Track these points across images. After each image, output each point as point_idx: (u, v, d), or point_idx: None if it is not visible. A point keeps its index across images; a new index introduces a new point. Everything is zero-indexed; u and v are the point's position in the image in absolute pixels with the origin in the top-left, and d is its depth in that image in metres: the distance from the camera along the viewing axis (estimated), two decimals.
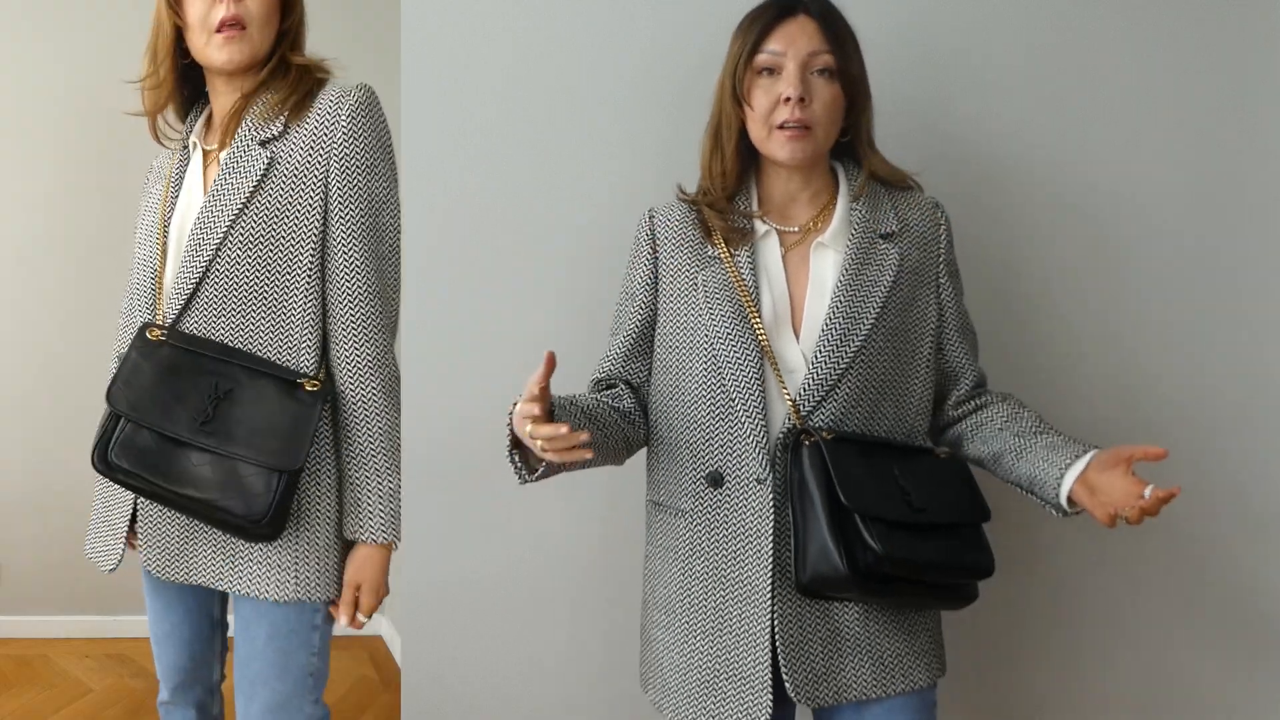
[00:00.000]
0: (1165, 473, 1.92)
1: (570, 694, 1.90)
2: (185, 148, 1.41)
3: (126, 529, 1.43)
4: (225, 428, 1.31)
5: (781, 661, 1.34)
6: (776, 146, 1.38)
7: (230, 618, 1.52)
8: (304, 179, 1.33)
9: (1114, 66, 1.86)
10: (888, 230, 1.42)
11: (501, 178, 1.82)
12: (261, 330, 1.35)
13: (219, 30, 1.31)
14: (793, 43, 1.36)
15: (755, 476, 1.36)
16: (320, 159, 1.34)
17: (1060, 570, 1.93)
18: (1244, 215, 1.90)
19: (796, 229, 1.43)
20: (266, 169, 1.32)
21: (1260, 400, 1.92)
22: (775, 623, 1.34)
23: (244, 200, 1.32)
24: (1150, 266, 1.89)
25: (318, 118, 1.34)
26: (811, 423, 1.35)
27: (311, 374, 1.35)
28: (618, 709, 1.88)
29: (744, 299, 1.38)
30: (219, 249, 1.32)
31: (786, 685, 1.34)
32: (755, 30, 1.38)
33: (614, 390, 1.47)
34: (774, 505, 1.35)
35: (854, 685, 1.36)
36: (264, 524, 1.29)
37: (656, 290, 1.46)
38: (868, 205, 1.43)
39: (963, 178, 1.84)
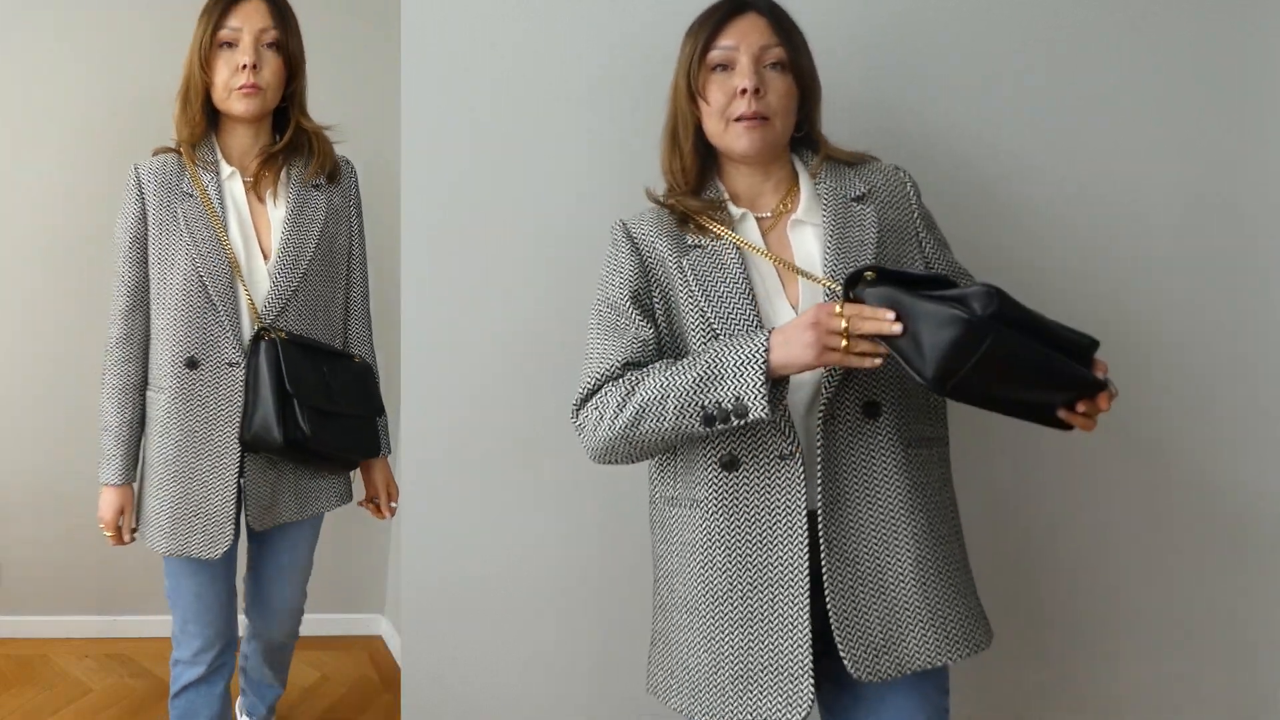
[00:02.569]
0: (1166, 474, 1.93)
1: (570, 694, 1.90)
2: (216, 173, 1.78)
3: (232, 509, 1.75)
4: (344, 396, 1.78)
5: (838, 639, 1.33)
6: (734, 138, 1.40)
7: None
8: (342, 218, 1.87)
9: (1107, 66, 1.86)
10: (857, 194, 1.45)
11: (503, 178, 1.82)
12: (319, 324, 1.82)
13: (240, 89, 1.71)
14: (745, 37, 1.40)
15: (778, 453, 1.35)
16: (349, 207, 1.90)
17: (1063, 568, 1.93)
18: (1235, 215, 1.90)
19: (769, 214, 1.46)
20: (325, 208, 1.82)
21: (1261, 401, 1.93)
22: (828, 600, 1.33)
23: (319, 230, 1.79)
24: (1143, 268, 1.89)
25: (345, 180, 1.89)
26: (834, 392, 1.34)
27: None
28: (617, 708, 1.88)
29: (735, 279, 1.38)
30: (309, 264, 1.78)
31: (845, 662, 1.33)
32: (707, 28, 1.42)
33: None
34: (805, 478, 1.34)
35: (919, 655, 1.35)
36: (372, 454, 1.89)
37: (650, 285, 1.44)
38: (831, 176, 1.46)
39: (955, 180, 1.85)
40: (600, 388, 1.39)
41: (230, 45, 1.72)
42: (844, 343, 1.24)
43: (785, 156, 1.48)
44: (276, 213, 1.78)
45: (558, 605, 1.89)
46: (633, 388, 1.35)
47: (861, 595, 1.35)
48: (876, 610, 1.35)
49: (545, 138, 1.81)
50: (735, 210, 1.44)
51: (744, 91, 1.37)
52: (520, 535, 1.87)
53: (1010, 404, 1.26)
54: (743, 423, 1.29)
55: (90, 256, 2.76)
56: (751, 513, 1.36)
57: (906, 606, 1.36)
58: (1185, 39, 1.86)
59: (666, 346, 1.43)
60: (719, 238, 1.41)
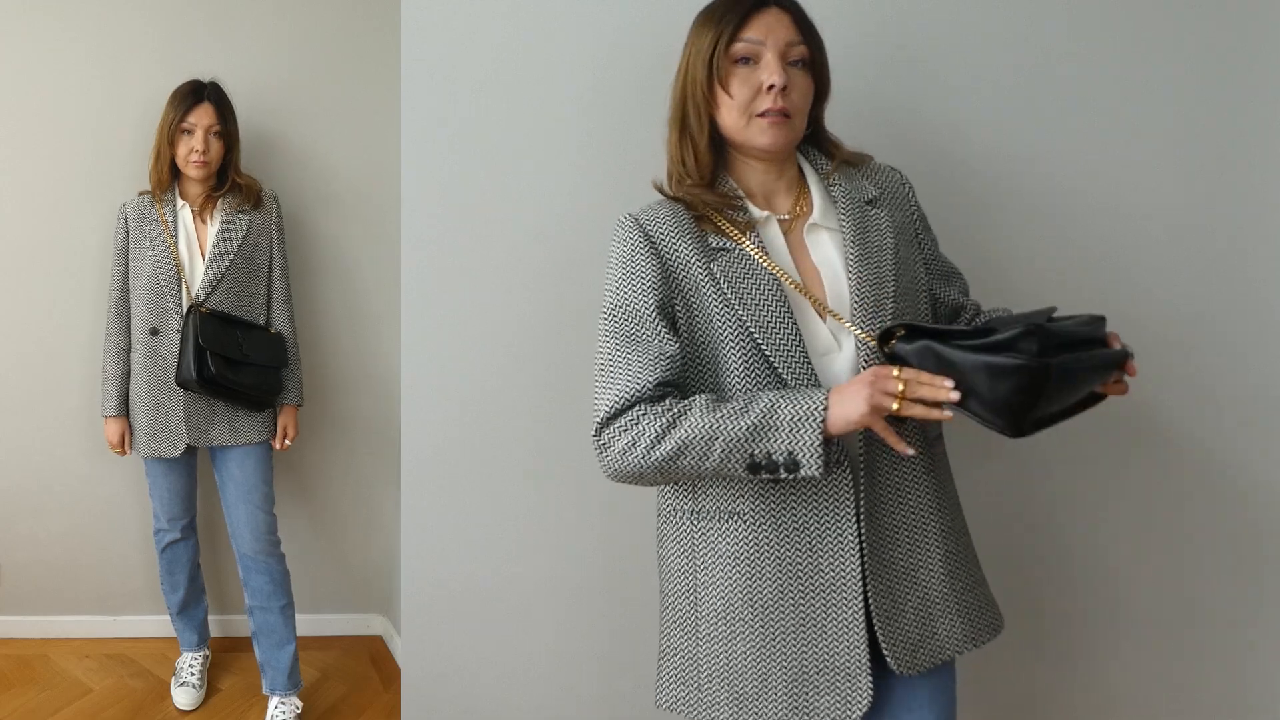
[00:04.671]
0: (1166, 475, 1.93)
1: (570, 694, 1.90)
2: (174, 206, 2.54)
3: (183, 426, 2.48)
4: (253, 353, 2.47)
5: (881, 637, 1.35)
6: (757, 132, 1.38)
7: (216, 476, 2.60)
8: (264, 232, 2.60)
9: (1107, 66, 1.86)
10: (870, 197, 1.46)
11: (502, 178, 1.82)
12: (242, 303, 2.53)
13: (193, 162, 2.47)
14: (770, 32, 1.38)
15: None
16: (269, 225, 2.61)
17: (1063, 568, 1.93)
18: (1235, 212, 1.90)
19: (787, 215, 1.44)
20: (248, 225, 2.55)
21: (1262, 403, 1.93)
22: (870, 601, 1.35)
23: (240, 242, 2.52)
24: (1143, 264, 1.90)
25: (267, 206, 2.61)
26: None
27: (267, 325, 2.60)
28: (617, 709, 1.89)
29: (769, 286, 1.36)
30: (231, 263, 2.50)
31: (888, 659, 1.35)
32: (732, 20, 1.38)
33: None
34: (852, 483, 1.35)
35: (949, 643, 1.40)
36: (276, 396, 2.54)
37: (672, 291, 1.38)
38: (844, 179, 1.46)
39: (953, 179, 1.85)
40: (629, 408, 1.33)
41: (189, 132, 2.47)
42: (896, 405, 1.24)
43: (794, 155, 1.47)
44: (212, 229, 2.53)
45: (558, 606, 1.89)
46: (675, 421, 1.30)
47: (899, 593, 1.38)
48: (912, 606, 1.38)
49: (545, 137, 1.81)
50: (757, 212, 1.42)
51: (771, 88, 1.35)
52: (520, 535, 1.87)
53: (1068, 413, 1.32)
54: (791, 476, 1.28)
55: (88, 258, 2.76)
56: (800, 521, 1.36)
57: (937, 600, 1.40)
58: (1185, 39, 1.86)
59: (688, 356, 1.38)
60: (744, 244, 1.39)
